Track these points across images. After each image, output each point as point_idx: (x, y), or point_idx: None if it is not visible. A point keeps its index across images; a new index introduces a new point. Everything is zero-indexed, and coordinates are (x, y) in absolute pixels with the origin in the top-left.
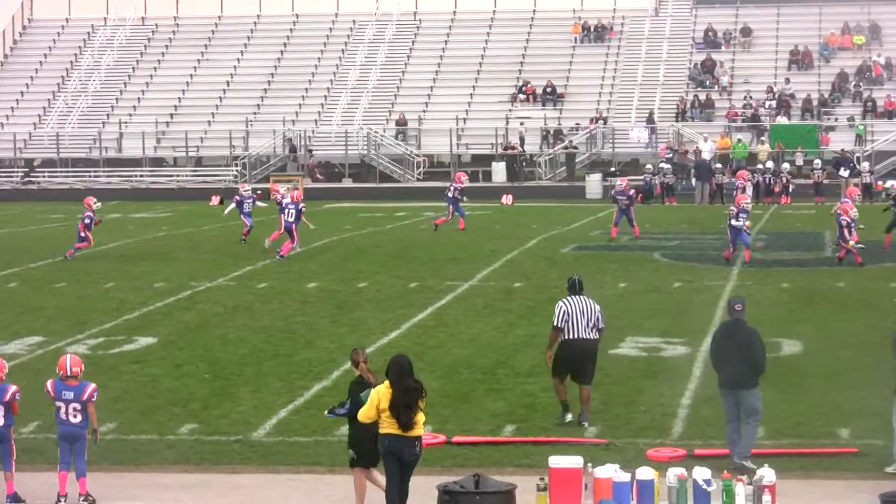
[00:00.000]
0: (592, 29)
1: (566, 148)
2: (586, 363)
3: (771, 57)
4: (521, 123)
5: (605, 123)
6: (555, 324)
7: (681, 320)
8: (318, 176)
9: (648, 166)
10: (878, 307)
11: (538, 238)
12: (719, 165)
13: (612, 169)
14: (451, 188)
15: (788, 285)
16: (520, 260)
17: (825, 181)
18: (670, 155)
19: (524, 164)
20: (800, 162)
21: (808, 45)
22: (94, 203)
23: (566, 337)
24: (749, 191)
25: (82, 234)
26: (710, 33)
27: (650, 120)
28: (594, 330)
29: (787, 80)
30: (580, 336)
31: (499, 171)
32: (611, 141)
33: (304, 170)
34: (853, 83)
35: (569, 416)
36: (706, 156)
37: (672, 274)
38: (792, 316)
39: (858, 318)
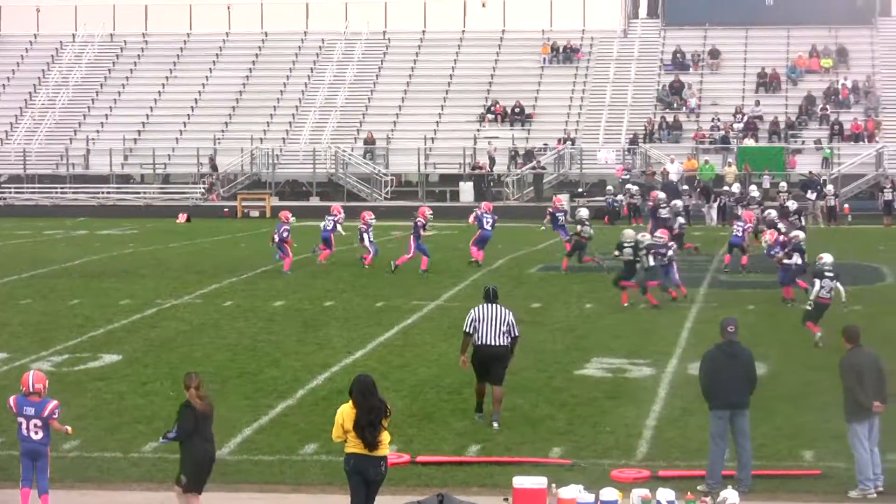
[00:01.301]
0: (561, 50)
1: (534, 168)
2: (494, 366)
3: (739, 79)
4: (490, 143)
5: (573, 144)
6: (464, 329)
7: (646, 341)
8: (214, 198)
9: (610, 188)
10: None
11: (505, 258)
12: (686, 187)
13: (580, 189)
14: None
15: (754, 307)
16: (486, 280)
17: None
18: (627, 176)
19: (492, 184)
20: (767, 185)
21: (775, 68)
22: (291, 217)
23: (476, 342)
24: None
25: (284, 248)
26: (678, 55)
27: (633, 142)
28: (506, 336)
29: (756, 103)
30: (488, 342)
31: (466, 191)
32: (578, 162)
33: (272, 188)
34: (820, 106)
35: (477, 416)
36: (673, 177)
37: (638, 295)
38: (757, 338)
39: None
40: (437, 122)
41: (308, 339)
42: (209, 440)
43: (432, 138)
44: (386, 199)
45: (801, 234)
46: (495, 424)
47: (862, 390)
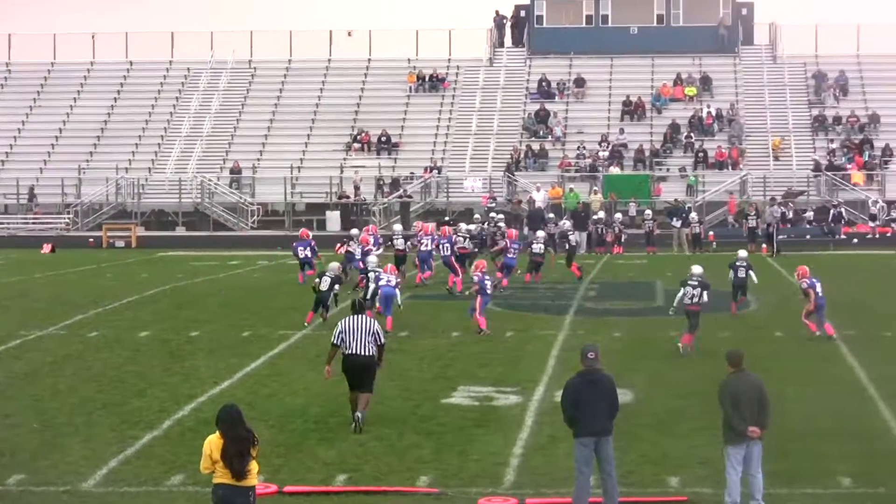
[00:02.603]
0: (427, 78)
1: (401, 197)
2: (362, 374)
3: (604, 107)
4: (356, 172)
5: (439, 173)
6: (332, 341)
7: (513, 369)
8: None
9: (477, 216)
10: (708, 356)
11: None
12: (552, 215)
13: (447, 218)
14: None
15: (620, 334)
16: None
17: (657, 231)
18: (493, 204)
19: (359, 212)
20: (633, 212)
21: (640, 96)
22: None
23: (344, 352)
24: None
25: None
26: (543, 84)
27: (510, 169)
28: (371, 346)
29: (621, 131)
30: (355, 351)
31: (333, 220)
32: (445, 190)
33: (137, 217)
34: (685, 134)
35: (353, 426)
36: (539, 205)
37: (504, 323)
38: (624, 365)
39: (689, 367)
40: (303, 151)
41: (174, 369)
42: None
43: (299, 167)
44: (252, 228)
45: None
46: (359, 415)
47: (737, 414)
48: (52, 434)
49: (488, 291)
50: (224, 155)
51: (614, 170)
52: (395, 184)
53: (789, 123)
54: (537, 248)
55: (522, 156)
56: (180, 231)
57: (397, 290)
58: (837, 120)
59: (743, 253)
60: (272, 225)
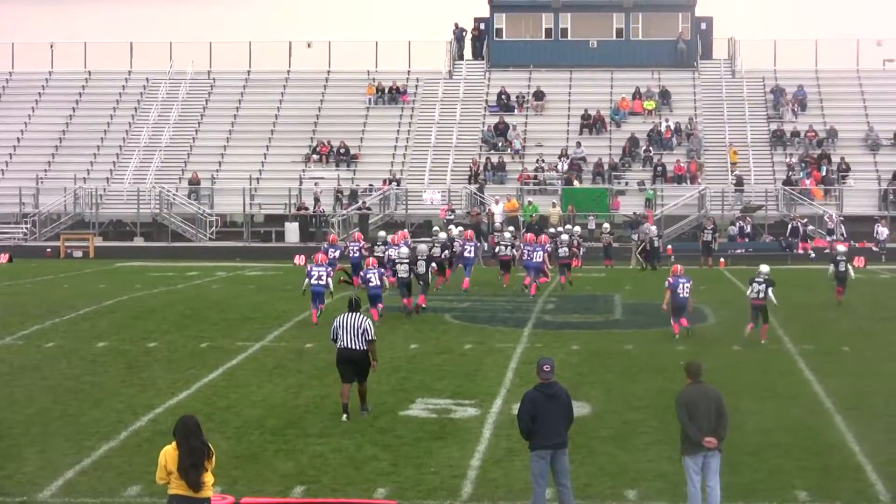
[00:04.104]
0: (387, 91)
1: (360, 209)
2: (355, 366)
3: (563, 121)
4: (315, 184)
5: (398, 185)
6: (331, 338)
7: (471, 382)
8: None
9: (436, 228)
10: (665, 369)
11: (331, 299)
12: (512, 228)
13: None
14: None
15: (578, 347)
16: (312, 321)
17: (614, 244)
18: (452, 216)
19: (318, 224)
20: (591, 226)
21: (599, 110)
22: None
23: (339, 346)
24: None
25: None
26: (503, 96)
27: (477, 180)
28: (363, 341)
29: (579, 144)
30: (347, 345)
31: (292, 232)
32: (404, 202)
33: (95, 228)
34: (644, 147)
35: (344, 417)
36: (498, 218)
37: (463, 336)
38: (581, 378)
39: (646, 381)
40: (262, 163)
41: (132, 380)
42: None
43: (257, 178)
44: (211, 239)
45: None
46: (365, 414)
47: (692, 424)
48: (8, 444)
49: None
50: (183, 165)
51: (573, 183)
52: (354, 195)
53: (748, 137)
54: (502, 248)
55: (482, 168)
56: (138, 241)
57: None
58: (796, 134)
59: (764, 268)
60: (231, 236)
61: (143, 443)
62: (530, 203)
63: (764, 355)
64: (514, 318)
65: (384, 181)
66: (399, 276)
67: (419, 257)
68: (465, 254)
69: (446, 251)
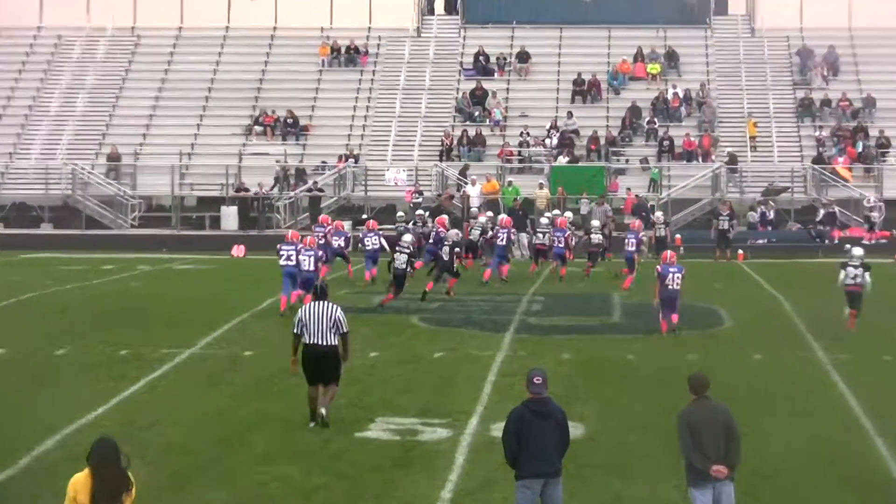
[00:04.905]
0: (343, 51)
1: (310, 190)
2: (323, 366)
3: (552, 87)
4: (277, 161)
5: (356, 162)
6: (293, 330)
7: (443, 397)
8: None
9: (400, 213)
10: (673, 383)
11: (274, 298)
12: (490, 213)
13: (364, 216)
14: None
15: (570, 356)
16: (251, 324)
17: (613, 234)
18: (419, 199)
19: (260, 208)
20: (585, 210)
21: (595, 74)
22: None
23: (305, 342)
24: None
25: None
26: (480, 58)
27: (448, 159)
28: (333, 334)
29: (571, 114)
30: (316, 341)
31: (229, 217)
32: (363, 183)
33: None
34: (647, 119)
35: (311, 424)
36: (475, 202)
37: (433, 341)
38: (573, 393)
39: (650, 396)
40: (195, 136)
41: (38, 394)
42: None
43: (189, 154)
44: (133, 226)
45: None
46: (323, 411)
47: (695, 451)
48: None
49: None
50: (100, 139)
51: (564, 160)
52: (302, 175)
53: (770, 108)
54: (475, 235)
55: (455, 143)
56: (46, 228)
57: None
58: (826, 103)
59: (858, 251)
60: (156, 223)
61: (49, 468)
62: (510, 184)
63: (791, 365)
64: (493, 320)
65: (339, 158)
66: (394, 265)
67: (446, 243)
68: (498, 242)
69: (484, 236)
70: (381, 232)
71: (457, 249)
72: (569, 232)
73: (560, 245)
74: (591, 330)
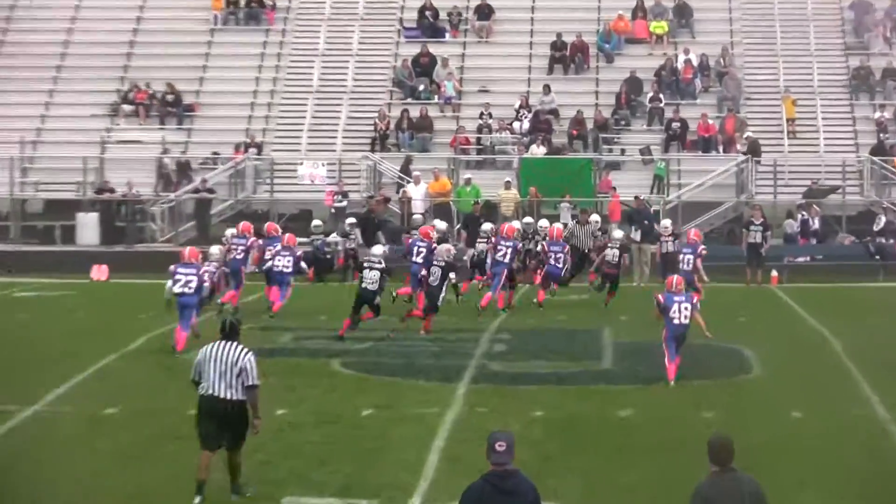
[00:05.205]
0: (243, 4)
1: (197, 191)
2: (223, 427)
3: (523, 52)
4: (164, 150)
5: (259, 153)
6: (191, 377)
7: (372, 469)
8: None
9: (317, 222)
10: (681, 450)
11: (151, 334)
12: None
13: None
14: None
15: (543, 414)
16: (119, 369)
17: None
18: (343, 203)
19: (130, 215)
20: (567, 217)
21: (581, 35)
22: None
23: (202, 392)
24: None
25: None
26: (427, 14)
27: (383, 148)
28: (237, 387)
29: (548, 89)
30: (215, 392)
31: (88, 228)
32: (268, 181)
33: None
34: (650, 95)
35: (197, 499)
36: (418, 206)
37: (360, 394)
38: (547, 463)
39: (649, 467)
40: (41, 118)
41: None
42: None
43: (33, 143)
44: None
45: None
46: (235, 497)
47: None
48: None
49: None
50: None
51: (538, 150)
52: (185, 169)
53: (814, 80)
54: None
55: (393, 127)
56: None
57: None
58: (890, 74)
59: None
60: None
61: None
62: (468, 182)
63: (840, 425)
64: (441, 366)
65: (237, 147)
66: (364, 286)
67: (436, 262)
68: (498, 257)
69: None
70: (297, 251)
71: (451, 275)
72: (567, 246)
73: (558, 265)
74: (573, 378)
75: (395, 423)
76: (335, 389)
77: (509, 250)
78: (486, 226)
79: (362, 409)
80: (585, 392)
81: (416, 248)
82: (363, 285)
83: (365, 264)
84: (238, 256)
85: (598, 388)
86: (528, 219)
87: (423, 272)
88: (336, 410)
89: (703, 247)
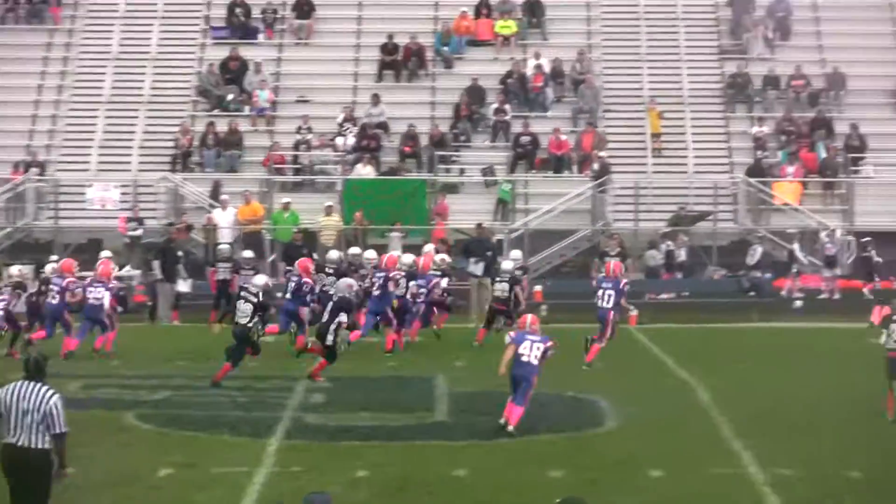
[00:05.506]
0: (23, 0)
1: None
2: (26, 479)
3: (348, 56)
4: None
5: (41, 173)
6: None
7: None
8: None
9: (106, 253)
10: None
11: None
12: (250, 253)
13: (54, 258)
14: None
15: (368, 474)
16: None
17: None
18: (138, 231)
19: None
20: (397, 249)
21: (415, 36)
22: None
23: (4, 440)
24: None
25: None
26: (237, 12)
27: (185, 168)
28: (41, 434)
29: (377, 100)
30: (16, 440)
31: None
32: (52, 205)
33: None
34: (495, 106)
35: None
36: (225, 234)
37: (157, 452)
38: None
39: None
40: None
41: None
42: None
43: None
44: None
45: None
46: None
47: None
48: None
49: None
50: None
51: (364, 170)
52: None
53: (683, 89)
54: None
55: (197, 143)
56: None
57: None
58: (771, 83)
59: None
60: None
61: None
62: (286, 207)
63: (708, 485)
64: (251, 419)
65: (14, 167)
66: (237, 319)
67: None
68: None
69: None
70: (111, 285)
71: (341, 316)
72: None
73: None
74: (402, 433)
75: (198, 485)
76: (130, 446)
77: (390, 283)
78: (333, 254)
79: (160, 469)
80: (416, 448)
81: (290, 284)
82: (235, 319)
83: (241, 295)
84: (53, 301)
85: (431, 443)
86: (354, 249)
87: (306, 310)
88: (131, 470)
89: (625, 281)
